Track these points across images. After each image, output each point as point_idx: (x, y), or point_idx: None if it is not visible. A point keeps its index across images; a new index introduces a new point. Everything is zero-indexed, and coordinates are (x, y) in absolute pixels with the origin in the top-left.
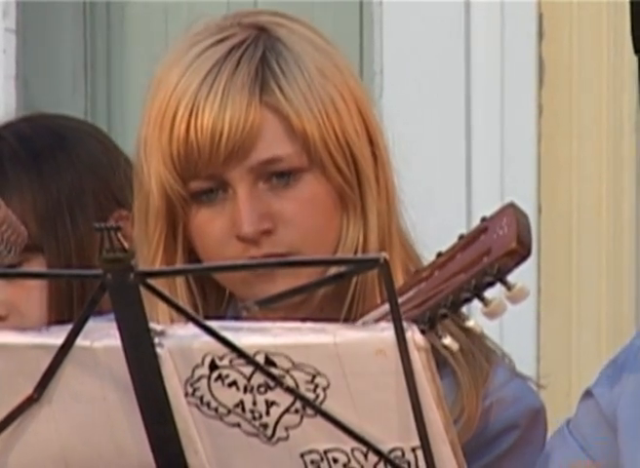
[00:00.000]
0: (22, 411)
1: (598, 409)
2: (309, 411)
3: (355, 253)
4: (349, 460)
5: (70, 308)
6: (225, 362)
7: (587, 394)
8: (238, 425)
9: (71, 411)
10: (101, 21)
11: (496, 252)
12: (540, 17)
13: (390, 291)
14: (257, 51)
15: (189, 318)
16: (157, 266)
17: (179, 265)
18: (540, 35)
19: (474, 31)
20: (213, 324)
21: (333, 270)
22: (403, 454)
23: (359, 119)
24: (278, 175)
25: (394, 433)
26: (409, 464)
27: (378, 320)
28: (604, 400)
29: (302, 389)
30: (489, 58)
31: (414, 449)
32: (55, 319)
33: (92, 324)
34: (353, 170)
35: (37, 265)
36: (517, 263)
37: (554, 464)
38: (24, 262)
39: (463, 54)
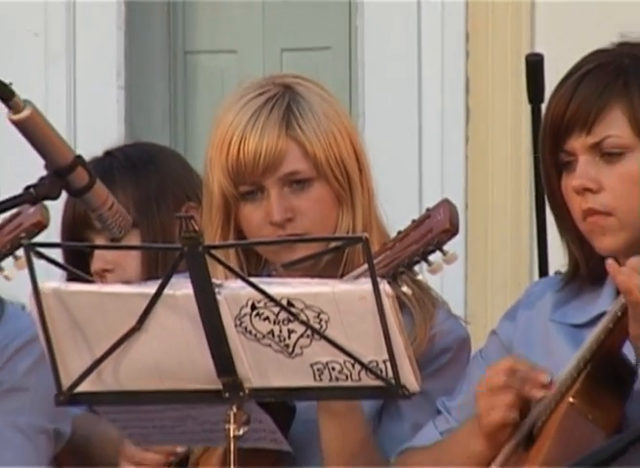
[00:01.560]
0: (129, 337)
1: (500, 342)
2: (316, 336)
3: (347, 233)
4: (342, 368)
5: (156, 265)
6: (261, 304)
7: (492, 332)
8: (269, 346)
9: (161, 337)
10: (181, 80)
11: (436, 230)
12: (467, 79)
13: (369, 258)
14: (284, 101)
15: (238, 275)
16: (217, 242)
17: (231, 241)
18: (467, 91)
19: (425, 89)
20: (253, 279)
21: (332, 245)
22: (377, 365)
23: (350, 146)
24: (297, 183)
25: (371, 350)
26: (381, 371)
27: (358, 276)
28: (503, 335)
29: (312, 322)
30: (434, 106)
31: (384, 361)
32: (145, 272)
33: (174, 279)
34: (346, 179)
35: (134, 237)
36: (449, 238)
37: (472, 377)
38: (125, 236)
39: (417, 103)
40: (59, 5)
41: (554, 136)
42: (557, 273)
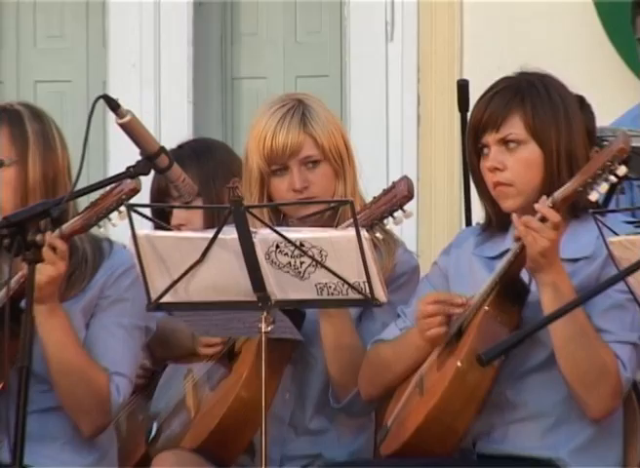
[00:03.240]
0: (195, 266)
1: (439, 270)
2: (319, 266)
3: (341, 198)
4: (336, 287)
5: (213, 220)
6: (283, 245)
7: (434, 263)
8: (288, 272)
9: (216, 266)
10: (229, 97)
11: (399, 196)
12: (419, 97)
13: (354, 215)
14: (300, 110)
15: (267, 226)
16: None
17: (263, 203)
18: (419, 104)
19: (390, 104)
20: (277, 228)
21: (330, 205)
22: (359, 284)
23: (342, 140)
24: (310, 163)
25: (355, 274)
26: (361, 288)
27: (347, 226)
28: (442, 265)
29: (316, 256)
30: (396, 115)
31: (364, 282)
32: (206, 225)
33: (225, 228)
34: (340, 162)
35: (198, 202)
36: (408, 201)
37: (420, 293)
38: (193, 201)
39: (385, 113)
40: (149, 45)
41: (475, 133)
42: (477, 223)
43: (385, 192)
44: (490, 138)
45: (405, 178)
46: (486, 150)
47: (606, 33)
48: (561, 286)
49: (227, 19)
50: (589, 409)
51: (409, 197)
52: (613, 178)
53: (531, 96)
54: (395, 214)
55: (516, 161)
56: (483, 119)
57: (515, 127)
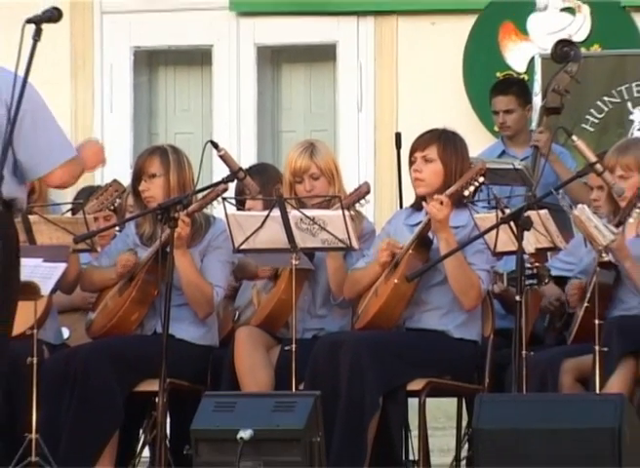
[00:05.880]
0: (257, 230)
1: (385, 232)
2: (323, 230)
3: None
4: (332, 240)
5: (267, 206)
6: (303, 219)
7: (383, 228)
8: (306, 233)
9: (269, 230)
10: (276, 142)
11: (362, 192)
12: (375, 142)
13: (341, 204)
14: (310, 148)
15: (296, 209)
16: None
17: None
18: (375, 145)
19: (360, 145)
20: (301, 210)
21: (327, 198)
22: (345, 239)
23: (334, 165)
24: (315, 177)
25: (342, 234)
26: (345, 241)
27: (337, 209)
28: (387, 228)
29: (321, 224)
30: (364, 153)
31: (347, 238)
32: (264, 209)
33: (274, 210)
34: (332, 176)
35: (259, 196)
36: (367, 195)
37: (376, 243)
38: (257, 196)
39: (357, 151)
40: (233, 113)
41: (412, 153)
42: (405, 207)
43: (355, 190)
44: (418, 155)
45: (366, 183)
46: (415, 162)
47: (471, 106)
48: (450, 240)
49: (275, 100)
50: (464, 305)
51: (368, 192)
52: (476, 184)
53: (443, 137)
54: (361, 202)
55: (428, 169)
56: (416, 145)
57: (431, 151)
